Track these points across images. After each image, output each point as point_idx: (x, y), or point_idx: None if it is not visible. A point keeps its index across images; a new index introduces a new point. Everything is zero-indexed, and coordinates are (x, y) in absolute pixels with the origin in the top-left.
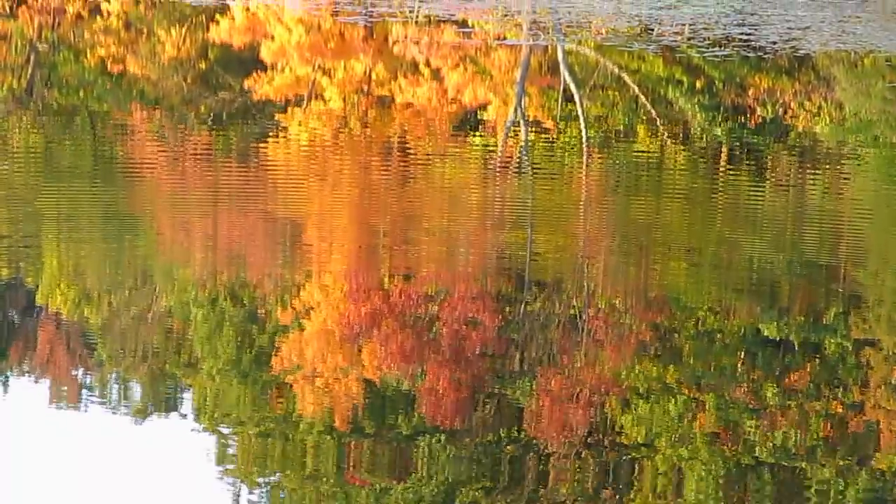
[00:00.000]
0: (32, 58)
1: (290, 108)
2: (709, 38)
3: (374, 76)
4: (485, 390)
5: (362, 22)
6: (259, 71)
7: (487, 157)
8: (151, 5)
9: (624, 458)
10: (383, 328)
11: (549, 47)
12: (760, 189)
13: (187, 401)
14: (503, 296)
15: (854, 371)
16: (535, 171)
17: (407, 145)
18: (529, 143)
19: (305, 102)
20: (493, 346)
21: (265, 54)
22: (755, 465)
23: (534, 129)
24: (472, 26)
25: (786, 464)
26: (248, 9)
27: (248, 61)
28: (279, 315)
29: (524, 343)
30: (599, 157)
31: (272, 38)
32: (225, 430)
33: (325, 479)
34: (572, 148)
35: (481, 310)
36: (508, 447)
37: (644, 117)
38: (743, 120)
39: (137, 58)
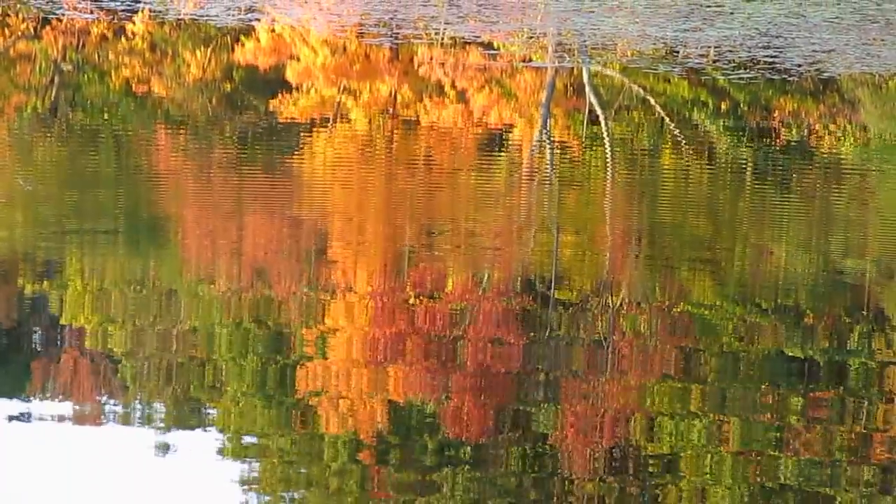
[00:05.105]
0: (56, 79)
1: (315, 130)
2: (734, 61)
3: (399, 98)
4: (509, 410)
5: (388, 44)
6: (284, 92)
7: (512, 177)
8: (176, 27)
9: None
10: (409, 346)
11: (575, 69)
12: (786, 208)
13: (211, 422)
14: (528, 314)
15: (880, 393)
16: (560, 189)
17: (432, 166)
18: (554, 164)
19: (331, 123)
20: (518, 364)
21: (290, 76)
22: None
23: (559, 150)
24: (498, 48)
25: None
26: (273, 30)
27: (274, 82)
28: (305, 336)
29: (548, 361)
30: (624, 178)
31: (298, 59)
32: (250, 452)
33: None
34: (597, 168)
35: (506, 324)
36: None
37: (669, 139)
38: (768, 142)
39: (162, 79)
